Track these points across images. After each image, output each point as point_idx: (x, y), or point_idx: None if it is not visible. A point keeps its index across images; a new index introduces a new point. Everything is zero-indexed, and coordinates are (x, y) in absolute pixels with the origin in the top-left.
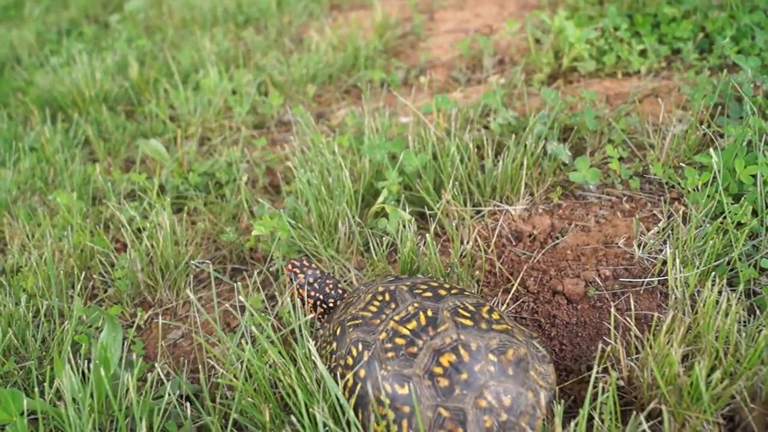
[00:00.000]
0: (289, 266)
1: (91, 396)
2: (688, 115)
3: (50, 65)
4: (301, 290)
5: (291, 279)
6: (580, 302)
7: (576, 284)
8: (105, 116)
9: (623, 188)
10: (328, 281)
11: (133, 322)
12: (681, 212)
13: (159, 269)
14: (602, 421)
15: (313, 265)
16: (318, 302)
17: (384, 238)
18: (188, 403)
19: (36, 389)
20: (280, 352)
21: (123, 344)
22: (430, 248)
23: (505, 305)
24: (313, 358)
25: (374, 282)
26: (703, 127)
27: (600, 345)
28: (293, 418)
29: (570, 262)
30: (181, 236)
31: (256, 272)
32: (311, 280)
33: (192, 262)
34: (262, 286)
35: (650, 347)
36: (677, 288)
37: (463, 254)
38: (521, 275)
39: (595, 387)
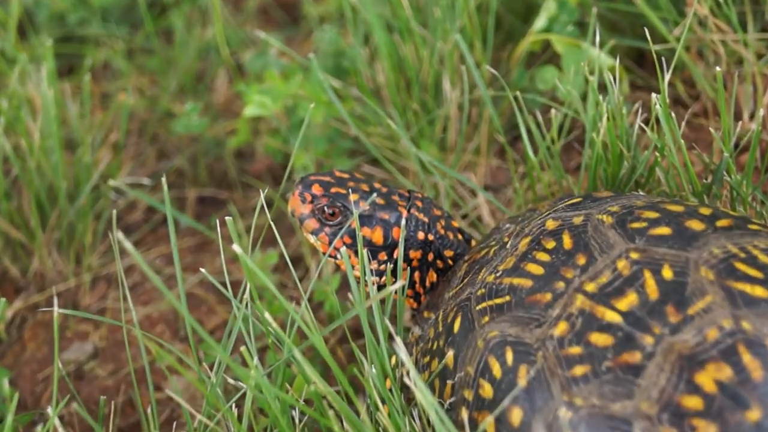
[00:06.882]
0: (317, 187)
1: None
2: None
3: None
4: (369, 230)
5: (323, 213)
6: None
7: None
8: None
9: None
10: (434, 209)
11: None
12: None
13: (34, 204)
14: None
15: (361, 181)
16: (433, 252)
17: (549, 114)
18: None
19: None
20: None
21: None
22: (667, 127)
23: None
24: (406, 380)
25: (533, 212)
26: None
27: None
28: None
29: None
30: (76, 127)
31: (261, 195)
32: (383, 207)
33: (111, 182)
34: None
35: None
36: None
37: (740, 140)
38: None
39: None
